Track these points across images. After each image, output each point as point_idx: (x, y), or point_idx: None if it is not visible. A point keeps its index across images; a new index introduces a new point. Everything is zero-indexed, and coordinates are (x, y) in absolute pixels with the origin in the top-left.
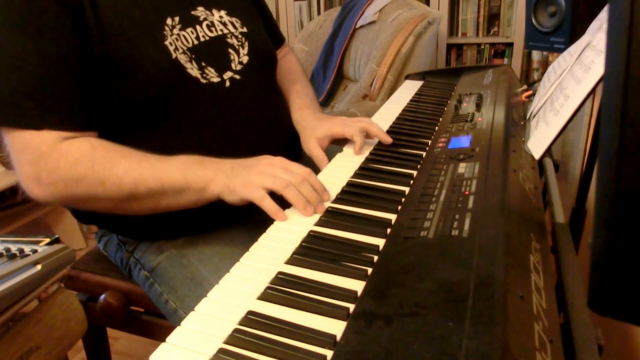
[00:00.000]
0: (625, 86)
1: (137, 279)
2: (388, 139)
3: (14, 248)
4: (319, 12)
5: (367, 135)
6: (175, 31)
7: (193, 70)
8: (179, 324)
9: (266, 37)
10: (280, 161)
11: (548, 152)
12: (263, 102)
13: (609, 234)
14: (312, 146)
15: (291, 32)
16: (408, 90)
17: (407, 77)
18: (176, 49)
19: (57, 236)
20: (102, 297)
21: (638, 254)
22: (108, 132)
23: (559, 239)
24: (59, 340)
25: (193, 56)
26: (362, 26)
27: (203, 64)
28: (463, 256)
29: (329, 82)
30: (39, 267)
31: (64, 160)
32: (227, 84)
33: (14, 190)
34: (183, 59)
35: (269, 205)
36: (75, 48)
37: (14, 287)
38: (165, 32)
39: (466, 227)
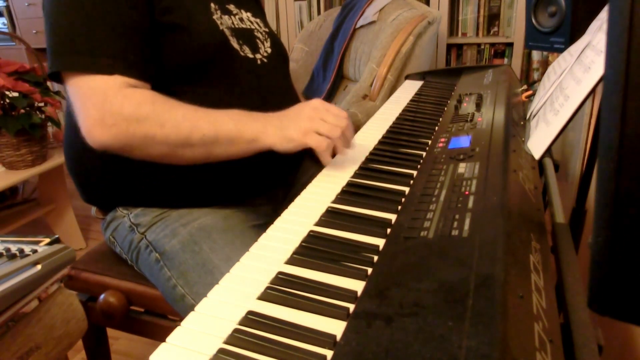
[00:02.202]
0: (625, 86)
1: (145, 264)
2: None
3: (14, 248)
4: (319, 12)
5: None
6: (218, 13)
7: (234, 44)
8: (184, 310)
9: (280, 40)
10: (321, 104)
11: (548, 152)
12: (283, 82)
13: (609, 234)
14: None
15: (291, 32)
16: (408, 90)
17: (407, 77)
18: (222, 24)
19: (57, 236)
20: (102, 296)
21: (638, 254)
22: (158, 87)
23: (559, 239)
24: (59, 340)
25: (233, 34)
26: (362, 26)
27: (240, 42)
28: (463, 256)
29: (329, 82)
30: (39, 267)
31: (128, 102)
32: (259, 62)
33: (14, 190)
34: (227, 32)
35: (326, 159)
36: (144, 11)
37: (14, 287)
38: (212, 11)
39: (466, 227)
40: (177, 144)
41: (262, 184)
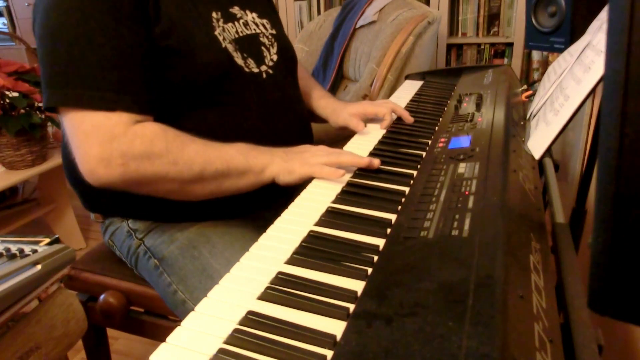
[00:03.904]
0: (625, 86)
1: (144, 269)
2: (410, 119)
3: (14, 248)
4: (319, 12)
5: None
6: (220, 24)
7: (238, 60)
8: (185, 316)
9: (288, 40)
10: (325, 147)
11: (548, 152)
12: (289, 95)
13: (609, 234)
14: (347, 117)
15: (291, 32)
16: (408, 90)
17: (407, 77)
18: (224, 39)
19: (57, 236)
20: (102, 297)
21: (638, 254)
22: (162, 115)
23: (559, 239)
24: (59, 340)
25: (237, 47)
26: (362, 26)
27: (245, 55)
28: (463, 256)
29: (329, 82)
30: (39, 267)
31: (140, 140)
32: (264, 75)
33: (14, 190)
34: (230, 48)
35: (328, 171)
36: (143, 37)
37: (14, 287)
38: (213, 24)
39: (466, 227)
40: (189, 180)
41: (266, 196)
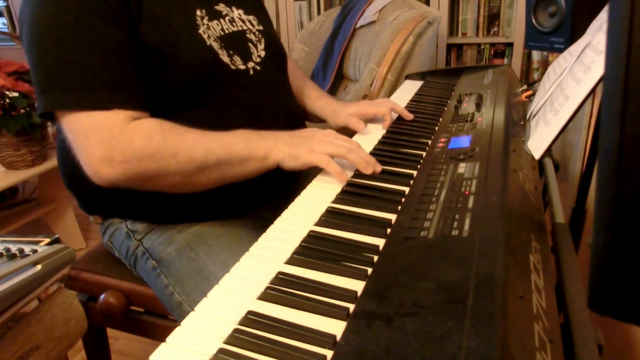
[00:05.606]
0: (625, 86)
1: (142, 270)
2: (410, 116)
3: (14, 248)
4: (319, 12)
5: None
6: (205, 21)
7: (224, 57)
8: (181, 318)
9: (277, 35)
10: (333, 132)
11: (548, 152)
12: (278, 91)
13: (609, 234)
14: (346, 117)
15: (291, 32)
16: (408, 90)
17: (407, 77)
18: (209, 37)
19: (57, 236)
20: (102, 297)
21: (638, 254)
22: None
23: (559, 239)
24: (59, 340)
25: (222, 44)
26: (362, 26)
27: (231, 52)
28: (463, 256)
29: (329, 82)
30: (39, 267)
31: (138, 136)
32: (251, 72)
33: (14, 190)
34: (215, 45)
35: (334, 168)
36: (131, 35)
37: (14, 287)
38: (197, 22)
39: (466, 227)
40: (192, 171)
41: (265, 194)
